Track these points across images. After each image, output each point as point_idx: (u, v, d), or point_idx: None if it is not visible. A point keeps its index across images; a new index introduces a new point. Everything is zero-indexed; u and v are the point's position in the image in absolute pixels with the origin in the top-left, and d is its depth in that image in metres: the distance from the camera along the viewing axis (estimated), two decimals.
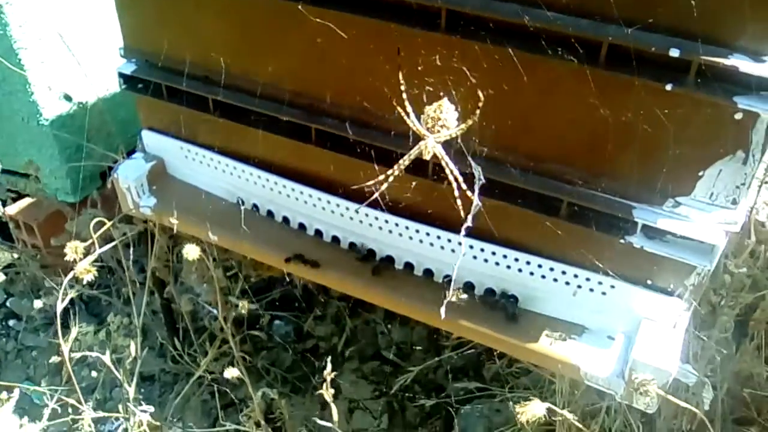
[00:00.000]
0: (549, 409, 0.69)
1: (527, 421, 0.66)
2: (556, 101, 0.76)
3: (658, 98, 0.69)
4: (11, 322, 1.81)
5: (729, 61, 0.64)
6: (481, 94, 0.61)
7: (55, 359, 1.24)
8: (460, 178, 0.67)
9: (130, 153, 1.49)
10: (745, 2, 0.62)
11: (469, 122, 0.61)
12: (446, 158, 0.64)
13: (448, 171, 0.65)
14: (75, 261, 1.02)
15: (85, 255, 1.01)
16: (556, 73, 0.72)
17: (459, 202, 0.70)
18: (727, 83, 0.66)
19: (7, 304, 1.83)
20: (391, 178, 0.69)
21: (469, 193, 0.70)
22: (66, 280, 1.00)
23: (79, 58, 1.55)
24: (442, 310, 0.72)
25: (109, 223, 1.02)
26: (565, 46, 0.70)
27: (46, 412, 1.35)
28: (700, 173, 0.73)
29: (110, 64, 1.60)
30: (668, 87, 0.67)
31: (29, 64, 1.50)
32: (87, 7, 1.57)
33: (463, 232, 0.70)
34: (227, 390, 1.55)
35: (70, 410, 1.27)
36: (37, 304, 1.36)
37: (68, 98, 1.53)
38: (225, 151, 1.06)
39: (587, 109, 0.73)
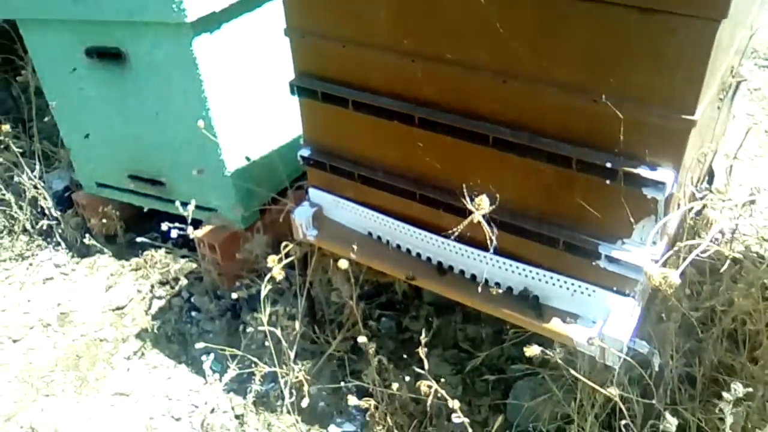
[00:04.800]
0: (543, 352, 1.28)
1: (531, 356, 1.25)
2: (553, 191, 1.36)
3: (604, 187, 1.28)
4: (194, 314, 2.46)
5: (637, 170, 1.23)
6: (498, 195, 1.24)
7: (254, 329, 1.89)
8: (490, 232, 1.28)
9: (292, 183, 2.13)
10: (646, 140, 1.21)
11: (492, 207, 1.23)
12: (483, 222, 1.25)
13: (486, 229, 1.26)
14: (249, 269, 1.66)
15: (252, 269, 1.67)
16: (549, 172, 1.33)
17: (490, 245, 1.32)
18: (639, 180, 1.24)
19: (192, 300, 2.53)
20: (458, 230, 1.30)
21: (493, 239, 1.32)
22: (267, 279, 1.66)
23: (258, 125, 2.26)
24: (479, 288, 1.35)
25: (290, 246, 1.68)
26: (558, 160, 1.30)
27: (231, 370, 2.01)
28: (634, 227, 1.31)
29: (281, 128, 2.29)
30: (607, 182, 1.26)
31: (221, 135, 2.16)
32: (264, 90, 2.27)
33: (489, 256, 1.32)
34: (349, 364, 2.18)
35: (252, 366, 1.93)
36: (234, 295, 2.02)
37: (248, 159, 2.21)
38: (361, 202, 1.72)
39: (570, 195, 1.33)
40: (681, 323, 1.62)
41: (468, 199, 1.18)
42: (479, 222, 1.31)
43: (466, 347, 2.21)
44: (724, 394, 1.02)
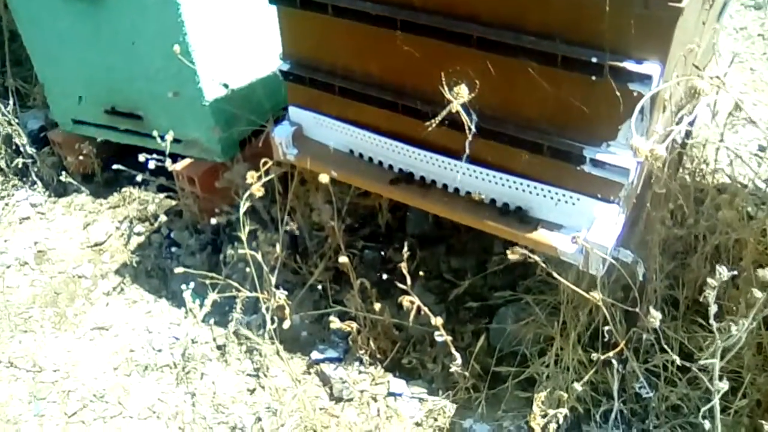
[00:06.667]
0: (526, 256, 1.26)
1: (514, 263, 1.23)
2: (538, 92, 1.32)
3: (590, 85, 1.25)
4: (173, 249, 2.43)
5: (623, 64, 1.20)
6: (478, 83, 1.20)
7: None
8: (469, 122, 1.25)
9: (275, 113, 2.07)
10: (632, 32, 1.17)
11: (472, 95, 1.20)
12: (462, 111, 1.22)
13: (464, 119, 1.23)
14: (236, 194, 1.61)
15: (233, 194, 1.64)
16: (533, 71, 1.30)
17: (468, 142, 1.29)
18: (625, 75, 1.22)
19: (171, 235, 2.49)
20: (438, 120, 1.27)
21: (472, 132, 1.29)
22: (245, 196, 1.62)
23: (238, 52, 2.20)
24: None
25: (270, 163, 1.64)
26: (542, 57, 1.27)
27: (211, 296, 1.98)
28: (619, 127, 1.29)
29: (264, 56, 2.22)
30: (593, 78, 1.23)
31: (199, 61, 2.10)
32: (245, 16, 2.20)
33: (473, 168, 1.29)
34: (331, 294, 2.16)
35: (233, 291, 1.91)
36: (213, 221, 1.99)
37: (225, 86, 2.16)
38: (341, 118, 1.68)
39: (553, 92, 1.30)
40: (664, 247, 1.61)
41: (447, 90, 1.15)
42: (461, 132, 1.28)
43: (449, 278, 2.20)
44: (709, 280, 1.00)
